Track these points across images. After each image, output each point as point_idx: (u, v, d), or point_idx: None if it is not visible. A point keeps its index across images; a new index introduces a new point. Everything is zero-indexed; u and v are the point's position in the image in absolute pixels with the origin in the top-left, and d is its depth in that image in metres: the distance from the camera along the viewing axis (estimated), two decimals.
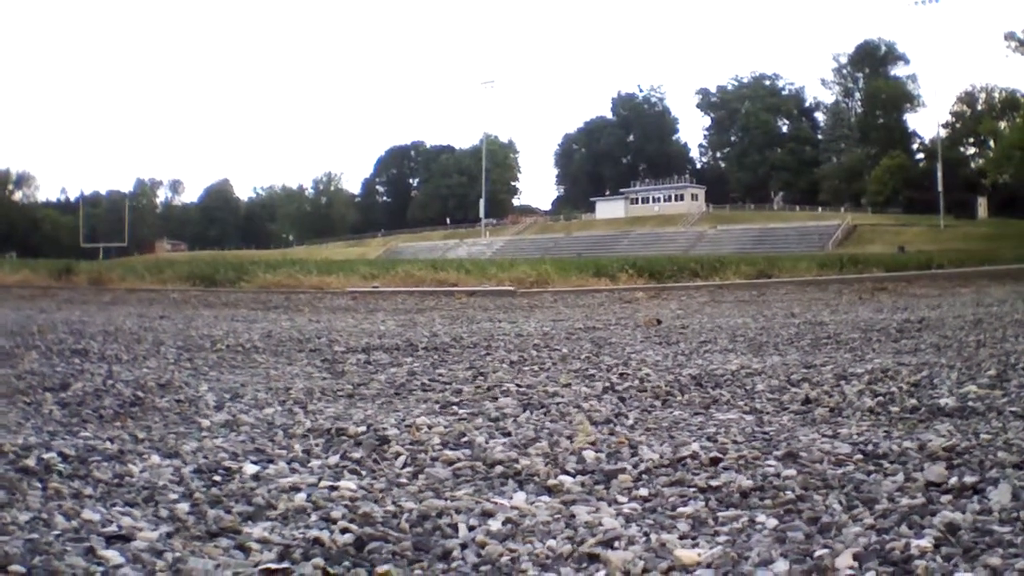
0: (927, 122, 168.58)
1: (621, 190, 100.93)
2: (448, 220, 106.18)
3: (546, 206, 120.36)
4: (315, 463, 2.57)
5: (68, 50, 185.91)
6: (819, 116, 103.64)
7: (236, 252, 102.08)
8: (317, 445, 2.82)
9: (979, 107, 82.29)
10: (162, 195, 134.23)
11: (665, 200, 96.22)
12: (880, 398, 3.49)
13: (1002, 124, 76.53)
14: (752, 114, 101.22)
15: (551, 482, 2.35)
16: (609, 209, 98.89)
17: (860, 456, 2.53)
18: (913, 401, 3.40)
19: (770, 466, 2.44)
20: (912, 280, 13.52)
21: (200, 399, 3.66)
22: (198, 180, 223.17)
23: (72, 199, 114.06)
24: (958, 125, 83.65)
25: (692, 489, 2.26)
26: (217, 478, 2.37)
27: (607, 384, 3.97)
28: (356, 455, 2.68)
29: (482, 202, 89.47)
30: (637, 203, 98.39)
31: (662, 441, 2.82)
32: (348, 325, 7.37)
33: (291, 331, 6.43)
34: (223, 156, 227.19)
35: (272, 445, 2.80)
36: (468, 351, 5.01)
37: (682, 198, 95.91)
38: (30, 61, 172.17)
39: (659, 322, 6.86)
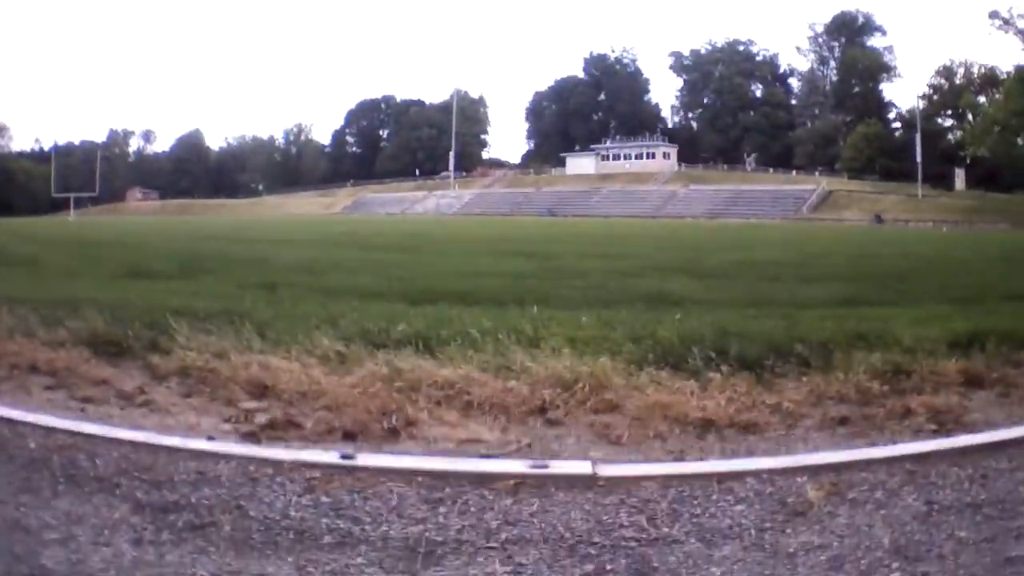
0: (904, 93, 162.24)
1: (592, 146, 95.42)
2: (417, 172, 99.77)
3: (516, 159, 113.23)
4: None
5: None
6: (793, 83, 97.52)
7: (204, 202, 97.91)
8: None
9: (957, 81, 77.55)
10: (135, 144, 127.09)
11: (636, 157, 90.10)
12: None
13: (981, 99, 72.43)
14: (726, 77, 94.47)
15: None
16: (579, 165, 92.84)
17: None
18: None
19: None
20: None
21: None
22: (170, 130, 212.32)
23: (46, 149, 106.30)
24: (936, 97, 77.93)
25: None
26: None
27: None
28: None
29: (451, 156, 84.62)
30: (608, 159, 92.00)
31: None
32: None
33: None
34: (195, 106, 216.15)
35: None
36: None
37: (653, 156, 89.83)
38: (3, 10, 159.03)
39: None
